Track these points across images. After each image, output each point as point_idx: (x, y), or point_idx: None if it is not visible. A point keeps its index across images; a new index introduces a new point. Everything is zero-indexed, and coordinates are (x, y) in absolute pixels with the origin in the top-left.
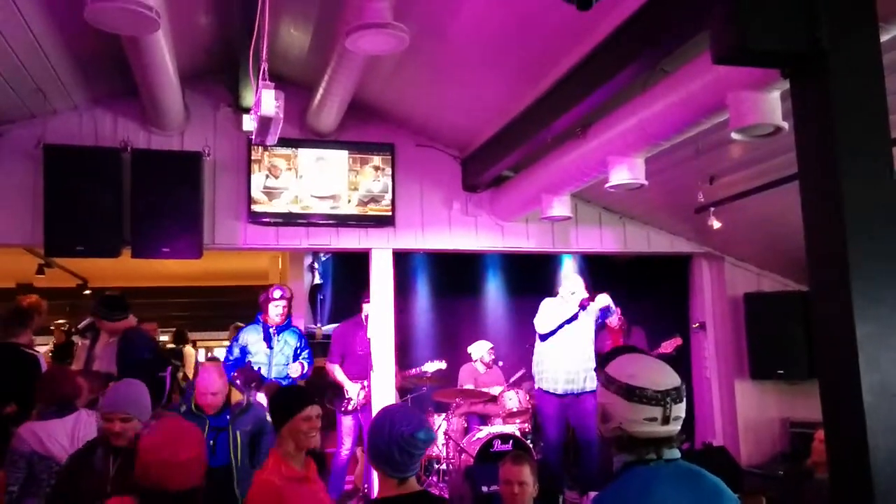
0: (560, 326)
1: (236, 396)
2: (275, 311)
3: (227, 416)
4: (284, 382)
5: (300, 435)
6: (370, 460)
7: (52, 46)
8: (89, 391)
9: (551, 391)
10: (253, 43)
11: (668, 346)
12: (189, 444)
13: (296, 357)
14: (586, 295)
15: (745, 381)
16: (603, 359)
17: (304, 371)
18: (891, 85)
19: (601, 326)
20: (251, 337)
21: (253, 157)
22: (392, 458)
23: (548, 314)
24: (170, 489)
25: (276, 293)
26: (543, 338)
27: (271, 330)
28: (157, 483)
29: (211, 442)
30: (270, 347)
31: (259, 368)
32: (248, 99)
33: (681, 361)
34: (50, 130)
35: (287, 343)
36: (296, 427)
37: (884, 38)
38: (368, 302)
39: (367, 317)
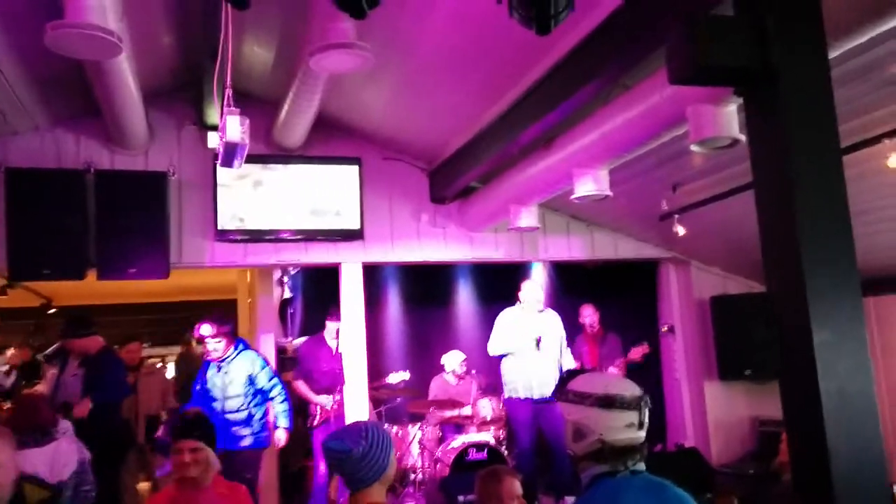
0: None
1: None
2: (211, 347)
3: None
4: (233, 416)
5: (174, 463)
6: None
7: (11, 67)
8: None
9: (525, 397)
10: (217, 66)
11: (636, 353)
12: None
13: (251, 382)
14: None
15: (713, 382)
16: (562, 382)
17: (288, 425)
18: (840, 96)
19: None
20: (205, 368)
21: (219, 175)
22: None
23: (502, 336)
24: None
25: (205, 329)
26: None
27: (216, 364)
28: None
29: None
30: (219, 379)
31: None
32: (213, 116)
33: (651, 365)
34: (11, 152)
35: (238, 370)
36: (172, 456)
37: (832, 54)
38: (333, 319)
39: (336, 331)
